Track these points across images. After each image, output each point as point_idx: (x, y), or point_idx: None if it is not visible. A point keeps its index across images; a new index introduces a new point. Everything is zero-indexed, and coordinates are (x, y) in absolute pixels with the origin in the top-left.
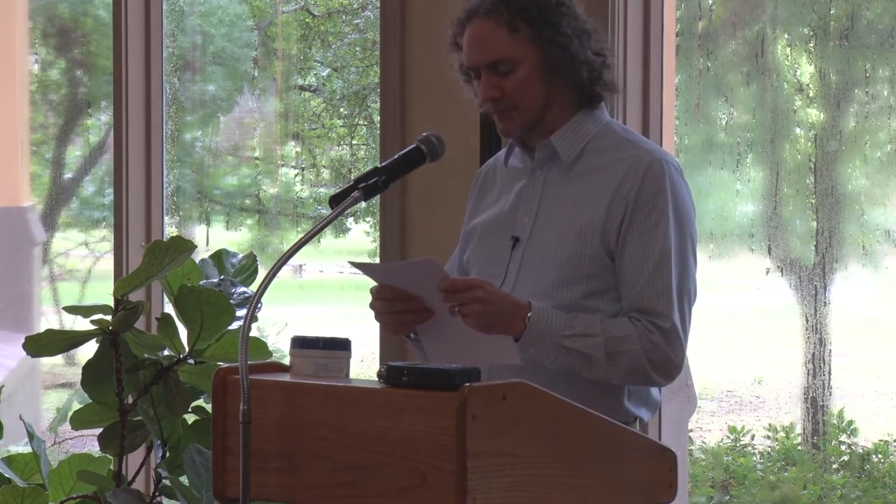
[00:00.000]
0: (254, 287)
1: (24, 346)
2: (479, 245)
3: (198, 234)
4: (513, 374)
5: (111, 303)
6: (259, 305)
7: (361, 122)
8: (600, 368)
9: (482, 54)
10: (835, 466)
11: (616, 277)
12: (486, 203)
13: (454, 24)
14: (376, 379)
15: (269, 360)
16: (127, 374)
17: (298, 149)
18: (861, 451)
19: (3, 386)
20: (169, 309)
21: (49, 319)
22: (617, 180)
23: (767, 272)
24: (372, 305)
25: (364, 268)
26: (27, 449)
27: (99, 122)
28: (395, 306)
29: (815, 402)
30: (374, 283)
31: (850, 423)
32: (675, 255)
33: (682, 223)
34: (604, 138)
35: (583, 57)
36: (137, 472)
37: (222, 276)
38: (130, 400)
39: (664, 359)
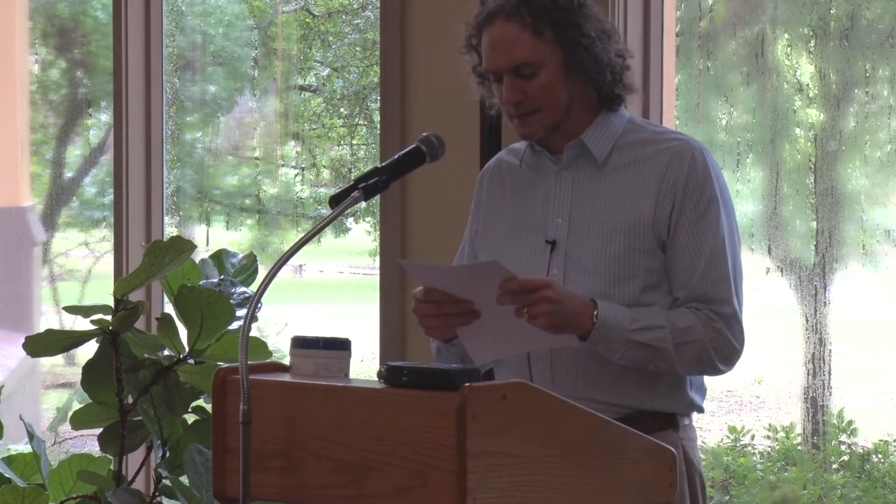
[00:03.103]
0: (254, 287)
1: (24, 346)
2: (504, 249)
3: (198, 234)
4: (590, 372)
5: (111, 303)
6: (259, 305)
7: (361, 122)
8: (668, 360)
9: (505, 58)
10: (835, 466)
11: (667, 268)
12: (502, 206)
13: (470, 26)
14: (376, 379)
15: (269, 360)
16: (127, 374)
17: (298, 149)
18: (861, 451)
19: (3, 386)
20: (169, 309)
21: (49, 319)
22: (660, 172)
23: (767, 272)
24: (416, 309)
25: (414, 268)
26: (27, 449)
27: (99, 122)
28: (444, 309)
29: (815, 402)
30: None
31: (850, 423)
32: (728, 240)
33: (728, 207)
34: (632, 133)
35: (606, 60)
36: (137, 472)
37: (222, 276)
38: (130, 400)
39: (728, 345)
